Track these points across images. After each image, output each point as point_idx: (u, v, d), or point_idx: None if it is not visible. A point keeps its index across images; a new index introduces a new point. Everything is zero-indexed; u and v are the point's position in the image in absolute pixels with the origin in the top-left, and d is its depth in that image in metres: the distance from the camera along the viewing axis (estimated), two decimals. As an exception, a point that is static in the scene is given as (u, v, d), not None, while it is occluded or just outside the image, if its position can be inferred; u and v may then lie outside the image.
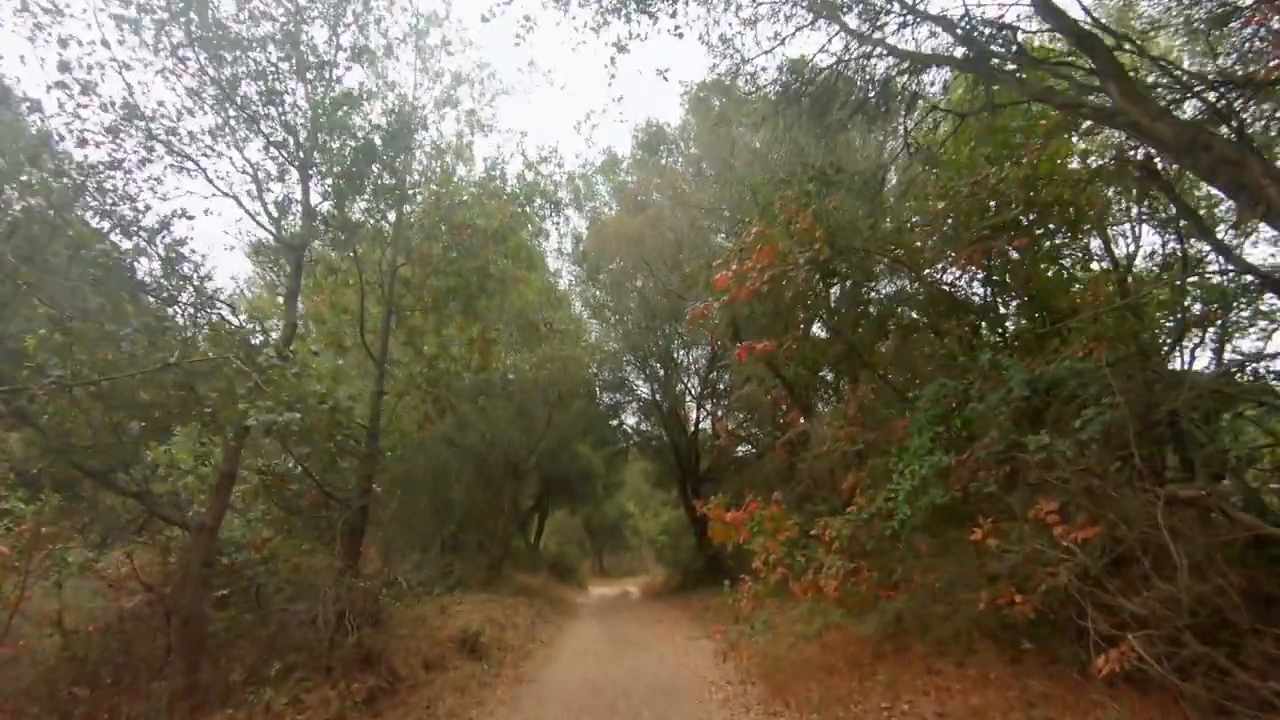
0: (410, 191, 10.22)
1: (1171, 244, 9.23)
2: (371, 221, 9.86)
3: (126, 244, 7.10)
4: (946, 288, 9.67)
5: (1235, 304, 7.82)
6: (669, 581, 24.34)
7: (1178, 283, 8.18)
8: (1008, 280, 9.52)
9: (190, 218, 6.73)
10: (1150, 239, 9.94)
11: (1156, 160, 7.00)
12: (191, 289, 6.69)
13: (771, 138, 13.52)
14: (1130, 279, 9.26)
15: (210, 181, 7.47)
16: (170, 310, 7.15)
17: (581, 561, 36.51)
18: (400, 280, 10.53)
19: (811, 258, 7.64)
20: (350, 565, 9.34)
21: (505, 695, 8.30)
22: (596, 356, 20.36)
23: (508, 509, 16.49)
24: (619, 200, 19.58)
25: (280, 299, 11.73)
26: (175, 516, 6.86)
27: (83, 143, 6.28)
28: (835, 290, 10.12)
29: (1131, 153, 7.72)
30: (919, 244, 9.11)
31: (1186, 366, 8.66)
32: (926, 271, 8.81)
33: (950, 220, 8.80)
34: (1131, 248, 9.72)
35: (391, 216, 10.13)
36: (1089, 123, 8.04)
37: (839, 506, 10.36)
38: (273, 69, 7.58)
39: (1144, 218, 9.59)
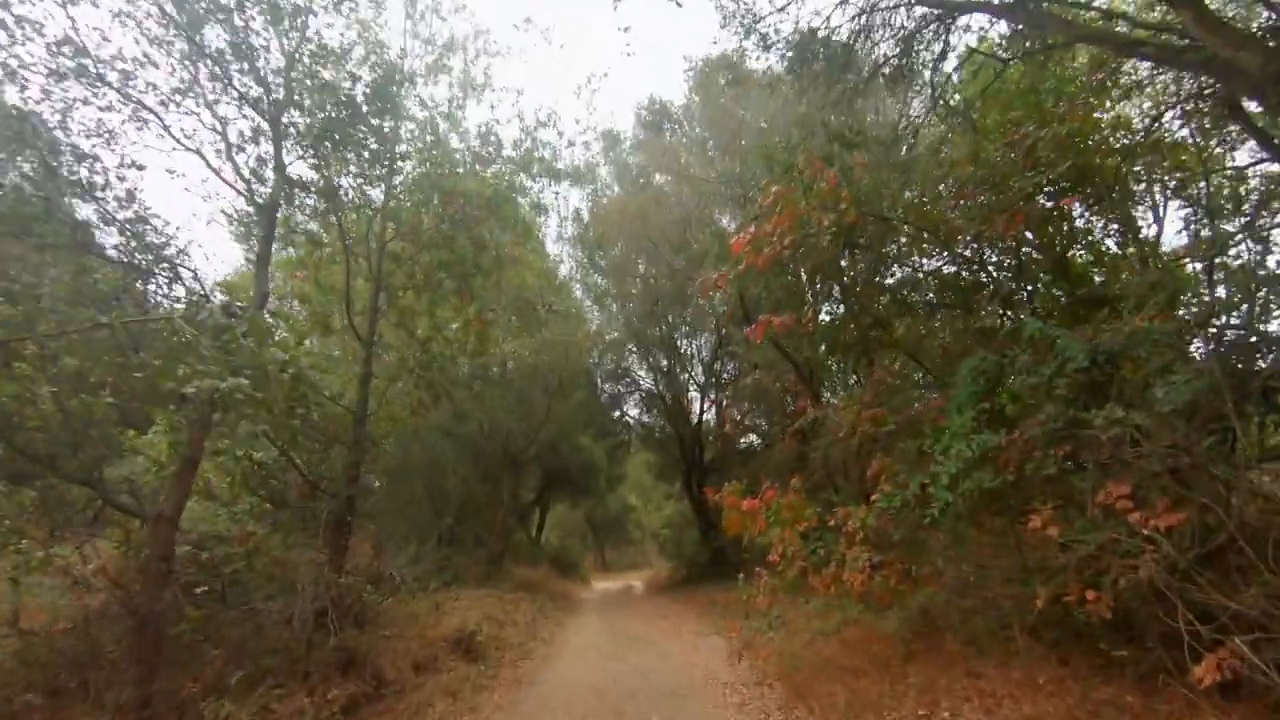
0: (399, 161, 9.47)
1: (1198, 224, 8.57)
2: (356, 189, 9.11)
3: (83, 208, 6.38)
4: (974, 260, 8.94)
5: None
6: (674, 575, 23.67)
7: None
8: (1037, 255, 8.83)
9: (141, 168, 6.02)
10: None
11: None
12: (150, 253, 5.97)
13: (782, 110, 12.77)
14: (1158, 256, 8.60)
15: (171, 135, 6.71)
16: (134, 282, 6.46)
17: (584, 556, 35.83)
18: (389, 255, 9.79)
19: (836, 220, 6.90)
20: (335, 560, 8.64)
21: (502, 699, 7.60)
22: (598, 343, 19.62)
23: (507, 501, 15.82)
24: (621, 181, 18.83)
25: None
26: (131, 506, 6.14)
27: (12, 75, 5.51)
28: (855, 263, 9.39)
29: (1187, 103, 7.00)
30: (945, 211, 8.38)
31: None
32: (957, 238, 8.05)
33: (980, 185, 8.06)
34: (1154, 229, 9.03)
35: (380, 185, 9.39)
36: (1132, 68, 7.31)
37: (857, 495, 9.67)
38: (241, 14, 6.82)
39: (1171, 194, 8.93)
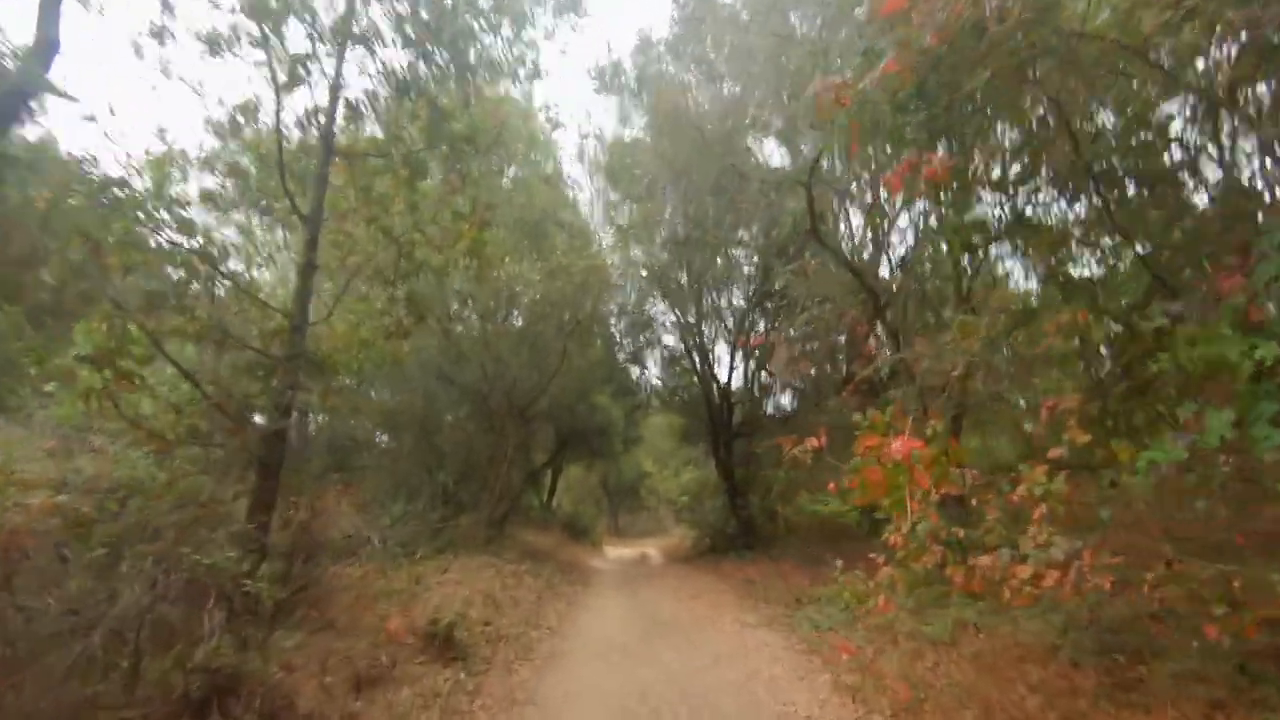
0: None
1: None
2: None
3: None
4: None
5: None
6: (697, 545, 21.02)
7: None
8: None
9: None
10: None
11: None
12: None
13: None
14: None
15: None
16: None
17: (596, 521, 33.31)
18: (347, 108, 6.97)
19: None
20: (261, 521, 5.94)
21: (483, 735, 4.94)
22: (619, 281, 16.73)
23: (512, 457, 13.18)
24: (651, 96, 15.73)
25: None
26: None
27: None
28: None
29: None
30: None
31: None
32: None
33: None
34: None
35: None
36: None
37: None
38: None
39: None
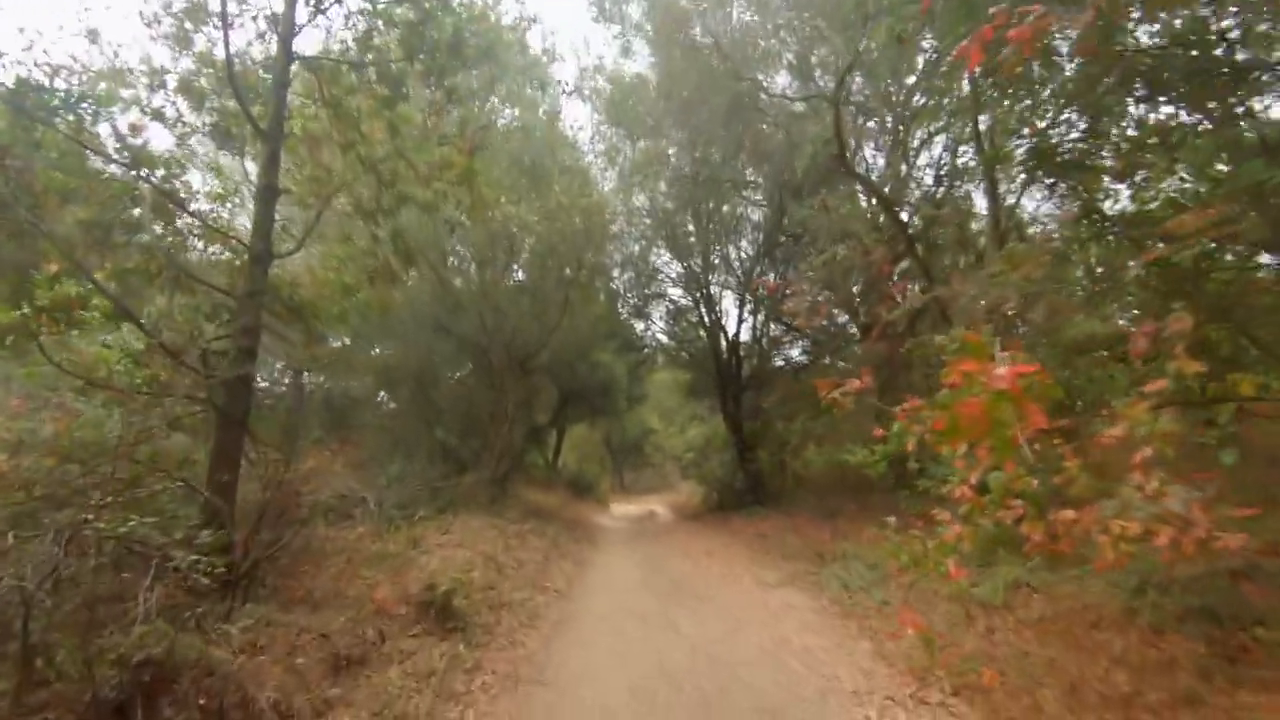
0: None
1: None
2: None
3: None
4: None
5: None
6: (705, 501, 20.47)
7: None
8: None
9: None
10: None
11: None
12: None
13: None
14: None
15: None
16: None
17: (601, 479, 32.81)
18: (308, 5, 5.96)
19: None
20: (222, 481, 5.15)
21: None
22: (622, 222, 15.68)
23: (513, 413, 12.41)
24: (656, 23, 14.44)
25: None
26: None
27: None
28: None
29: None
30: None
31: None
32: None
33: None
34: None
35: None
36: None
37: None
38: None
39: None
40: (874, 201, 10.11)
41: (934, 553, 4.34)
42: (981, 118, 8.72)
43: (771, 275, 18.73)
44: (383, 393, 13.41)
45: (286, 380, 15.47)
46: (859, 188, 10.81)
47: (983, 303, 7.27)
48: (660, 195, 18.53)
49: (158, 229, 5.93)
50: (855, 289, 12.05)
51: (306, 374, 15.27)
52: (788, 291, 11.71)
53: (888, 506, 11.76)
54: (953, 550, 4.32)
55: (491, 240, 11.21)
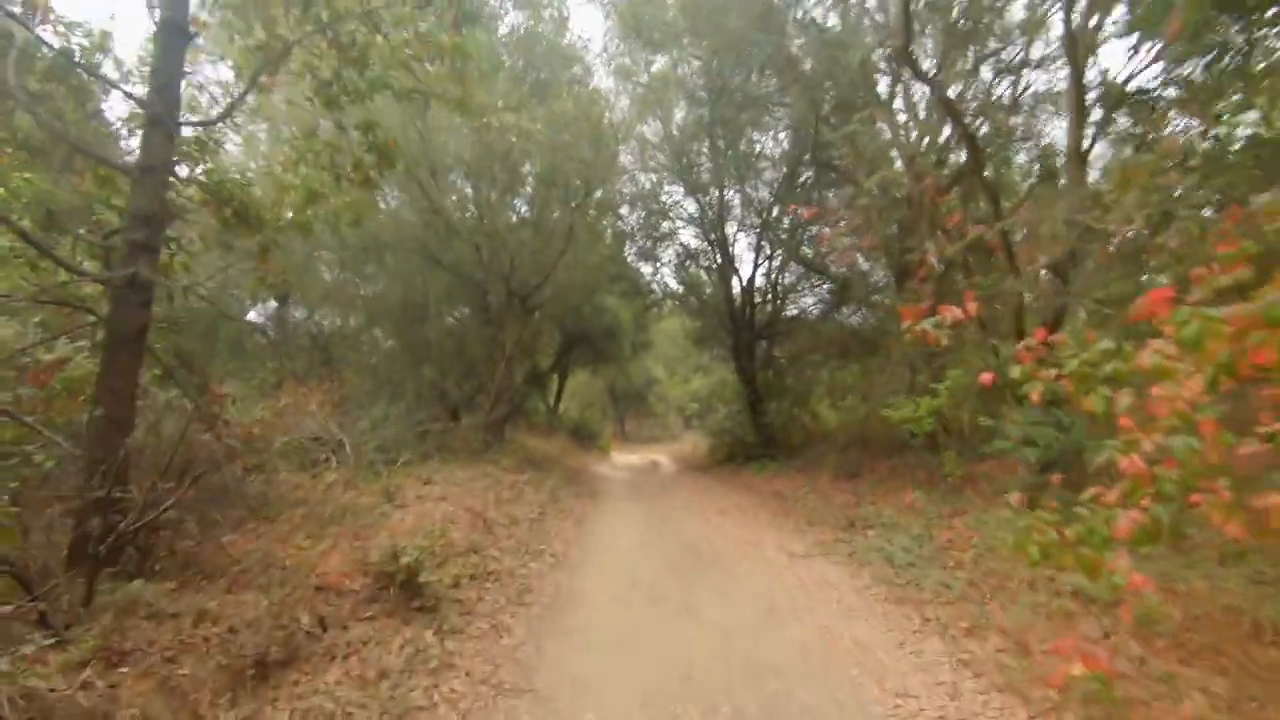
0: None
1: None
2: None
3: None
4: None
5: None
6: (712, 453, 19.33)
7: None
8: None
9: None
10: None
11: None
12: None
13: None
14: None
15: None
16: None
17: (603, 427, 31.73)
18: None
19: None
20: (110, 416, 3.82)
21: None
22: (633, 146, 14.02)
23: (511, 352, 11.04)
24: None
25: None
26: None
27: None
28: None
29: None
30: None
31: None
32: None
33: None
34: None
35: None
36: None
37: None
38: None
39: None
40: (927, 117, 8.54)
41: (1086, 544, 3.00)
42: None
43: (786, 220, 17.18)
44: (373, 329, 12.04)
45: (269, 311, 14.11)
46: (902, 106, 9.20)
47: (1081, 227, 5.85)
48: (674, 126, 16.81)
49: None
50: (894, 225, 10.50)
51: (291, 304, 13.92)
52: (825, 227, 10.18)
53: (922, 467, 10.60)
54: (1111, 543, 2.98)
55: (488, 154, 9.64)
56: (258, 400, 9.90)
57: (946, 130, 10.08)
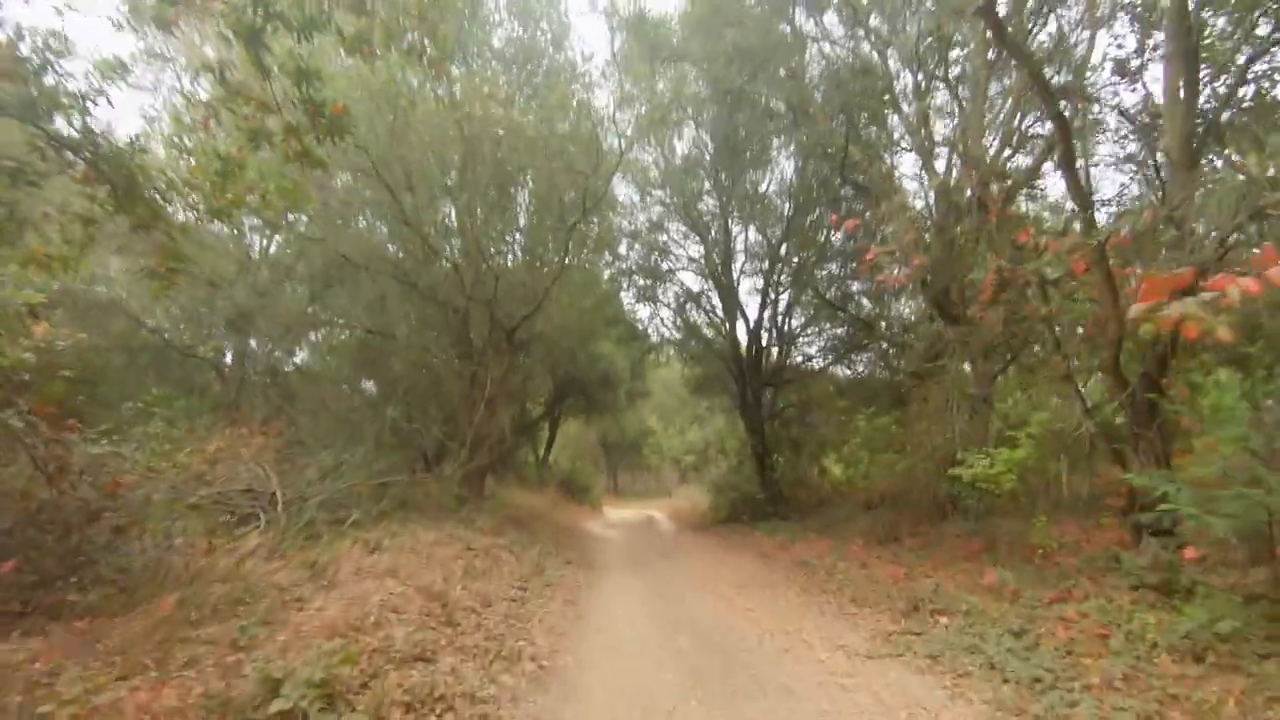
0: None
1: None
2: None
3: None
4: None
5: None
6: (715, 511, 17.35)
7: None
8: None
9: None
10: None
11: None
12: None
13: None
14: None
15: None
16: None
17: (595, 480, 29.59)
18: None
19: None
20: None
21: None
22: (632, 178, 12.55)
23: (493, 391, 9.20)
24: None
25: None
26: None
27: None
28: None
29: None
30: None
31: None
32: None
33: None
34: None
35: None
36: None
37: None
38: None
39: None
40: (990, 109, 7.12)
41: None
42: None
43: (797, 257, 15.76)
44: (330, 360, 10.22)
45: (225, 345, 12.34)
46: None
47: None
48: (678, 157, 15.55)
49: None
50: (935, 247, 8.95)
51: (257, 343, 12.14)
52: (847, 237, 8.61)
53: (981, 533, 8.76)
54: None
55: (473, 157, 8.07)
56: (187, 444, 8.09)
57: (993, 143, 8.65)
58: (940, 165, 8.45)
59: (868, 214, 8.75)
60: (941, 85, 8.63)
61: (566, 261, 9.42)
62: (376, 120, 7.25)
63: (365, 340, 9.31)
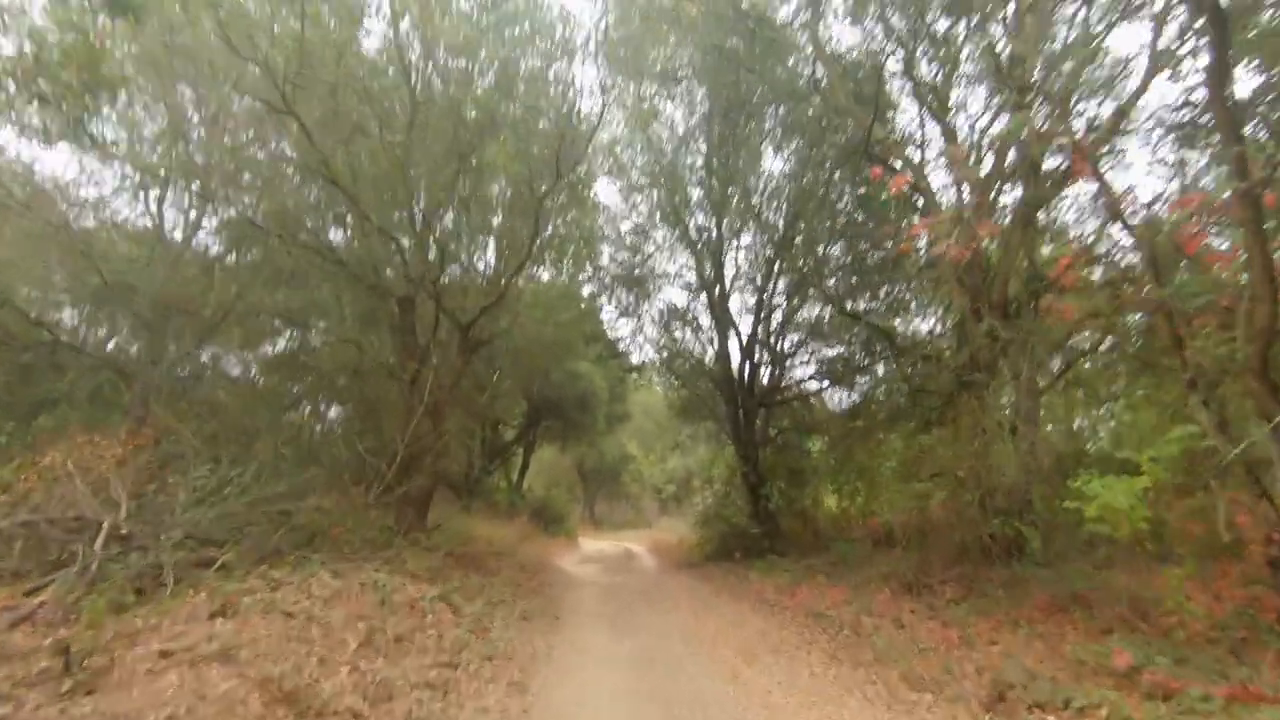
0: None
1: None
2: None
3: None
4: None
5: None
6: (702, 546, 15.21)
7: None
8: None
9: None
10: None
11: None
12: None
13: None
14: None
15: None
16: None
17: (571, 509, 27.21)
18: None
19: None
20: None
21: None
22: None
23: (438, 397, 7.05)
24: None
25: None
26: None
27: None
28: None
29: None
30: None
31: None
32: None
33: None
34: None
35: None
36: None
37: None
38: None
39: None
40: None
41: None
42: None
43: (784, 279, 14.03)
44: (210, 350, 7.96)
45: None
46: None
47: None
48: (666, 146, 13.80)
49: None
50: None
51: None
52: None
53: (1037, 580, 6.70)
54: None
55: (403, 84, 6.10)
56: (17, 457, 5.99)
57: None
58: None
59: (894, 183, 6.96)
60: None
61: (536, 238, 7.45)
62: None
63: (274, 330, 7.23)
